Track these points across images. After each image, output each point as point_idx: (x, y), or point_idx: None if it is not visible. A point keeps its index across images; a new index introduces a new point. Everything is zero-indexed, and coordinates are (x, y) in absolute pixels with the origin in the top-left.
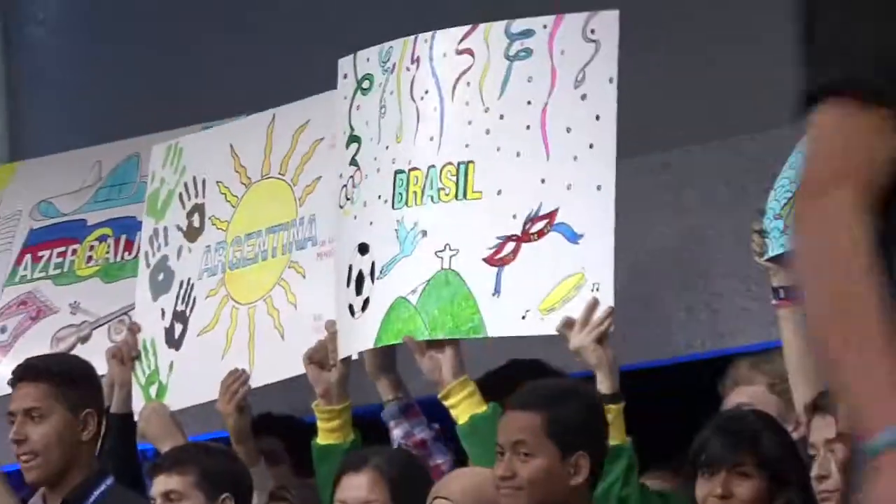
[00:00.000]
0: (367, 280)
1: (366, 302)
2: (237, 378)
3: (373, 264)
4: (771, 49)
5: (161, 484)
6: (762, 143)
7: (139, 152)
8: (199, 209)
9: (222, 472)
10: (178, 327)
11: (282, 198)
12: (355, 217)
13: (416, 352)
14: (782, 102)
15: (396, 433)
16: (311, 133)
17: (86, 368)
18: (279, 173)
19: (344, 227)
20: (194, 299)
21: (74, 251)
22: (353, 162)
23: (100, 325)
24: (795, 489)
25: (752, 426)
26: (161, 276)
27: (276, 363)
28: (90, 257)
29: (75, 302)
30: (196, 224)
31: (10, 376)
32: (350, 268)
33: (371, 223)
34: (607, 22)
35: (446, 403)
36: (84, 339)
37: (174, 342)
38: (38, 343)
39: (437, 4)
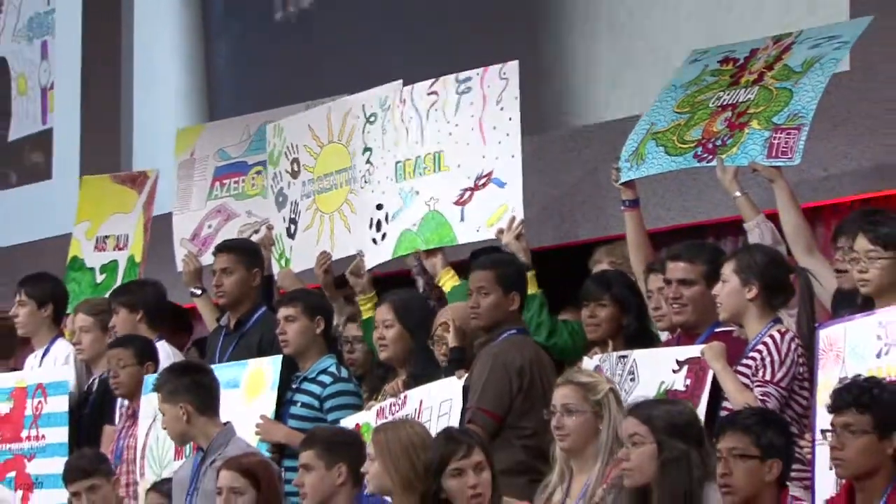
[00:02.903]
0: (384, 223)
1: (384, 235)
2: (324, 254)
3: (387, 214)
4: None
5: (282, 311)
6: (629, 123)
7: (267, 121)
8: (296, 161)
9: (317, 304)
10: (293, 227)
11: (341, 154)
12: (372, 191)
13: (421, 257)
14: (635, 100)
15: (420, 283)
16: (353, 116)
17: (254, 245)
18: (338, 139)
19: (364, 196)
20: (300, 212)
21: (244, 180)
22: (368, 161)
23: (263, 224)
24: (634, 314)
25: (609, 279)
26: (280, 199)
27: (346, 244)
28: (253, 184)
29: (249, 210)
30: (296, 168)
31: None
32: (371, 218)
33: (384, 192)
34: (512, 67)
35: (439, 283)
36: (256, 232)
37: (291, 235)
38: (229, 234)
39: (417, 67)
